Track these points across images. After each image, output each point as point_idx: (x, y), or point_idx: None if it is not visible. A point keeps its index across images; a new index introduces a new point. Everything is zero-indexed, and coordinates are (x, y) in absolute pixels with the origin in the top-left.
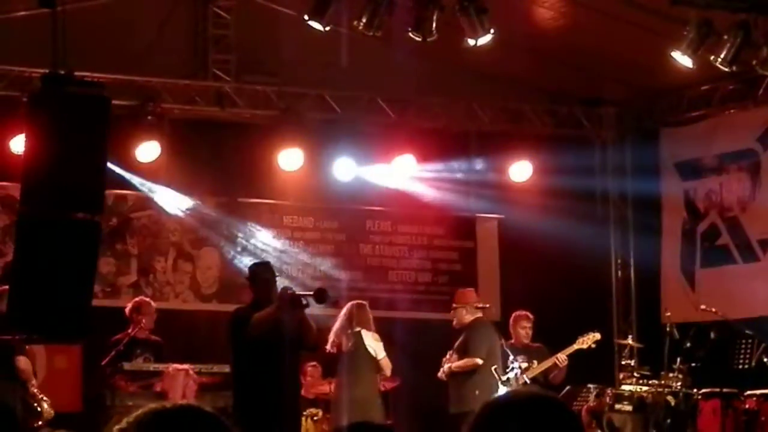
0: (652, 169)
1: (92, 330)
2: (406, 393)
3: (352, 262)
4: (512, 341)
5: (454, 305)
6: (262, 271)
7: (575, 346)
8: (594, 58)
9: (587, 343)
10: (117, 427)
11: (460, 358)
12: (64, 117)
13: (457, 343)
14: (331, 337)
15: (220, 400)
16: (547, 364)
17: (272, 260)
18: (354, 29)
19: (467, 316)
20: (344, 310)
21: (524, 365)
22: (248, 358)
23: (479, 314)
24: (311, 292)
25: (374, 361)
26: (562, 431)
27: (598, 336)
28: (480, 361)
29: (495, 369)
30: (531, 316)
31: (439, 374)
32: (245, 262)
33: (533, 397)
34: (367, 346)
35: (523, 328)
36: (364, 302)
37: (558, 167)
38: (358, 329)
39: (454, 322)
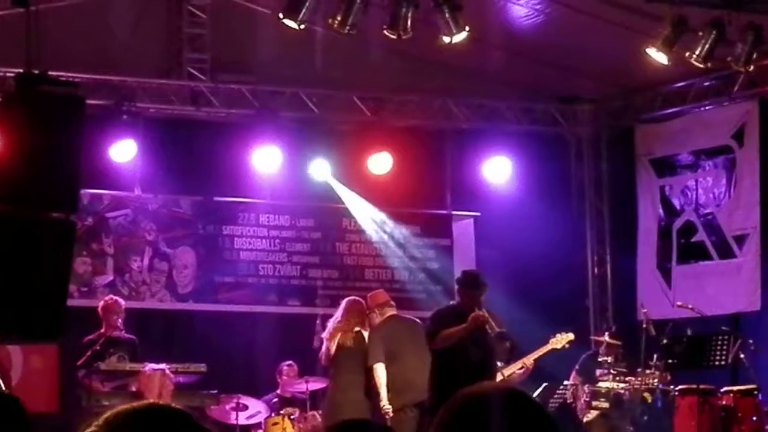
0: (628, 166)
1: (68, 330)
2: None
3: (328, 260)
4: None
5: (367, 311)
6: (470, 282)
7: (549, 347)
8: (569, 55)
9: (561, 343)
10: (88, 431)
11: None
12: (39, 116)
13: None
14: (332, 337)
15: (197, 400)
16: (516, 366)
17: (249, 258)
18: (329, 27)
19: (377, 319)
20: (342, 308)
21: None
22: (440, 362)
23: (391, 312)
24: (499, 330)
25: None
26: (530, 423)
27: (571, 336)
28: (377, 365)
29: None
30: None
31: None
32: (221, 261)
33: (503, 390)
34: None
35: None
36: (360, 299)
37: (534, 164)
38: (358, 329)
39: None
